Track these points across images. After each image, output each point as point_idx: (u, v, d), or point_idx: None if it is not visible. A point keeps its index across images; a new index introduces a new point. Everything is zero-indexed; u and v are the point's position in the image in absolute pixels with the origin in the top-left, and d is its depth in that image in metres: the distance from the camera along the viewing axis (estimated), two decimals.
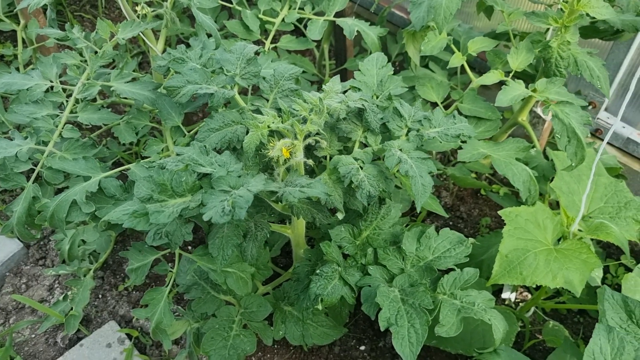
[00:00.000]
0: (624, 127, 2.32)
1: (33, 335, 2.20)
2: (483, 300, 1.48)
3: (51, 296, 2.31)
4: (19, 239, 2.39)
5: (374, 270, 1.59)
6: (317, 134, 1.51)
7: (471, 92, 1.85)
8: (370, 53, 1.75)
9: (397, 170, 1.71)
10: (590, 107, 2.27)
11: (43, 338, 2.19)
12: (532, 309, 2.06)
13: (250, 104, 1.56)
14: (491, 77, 1.70)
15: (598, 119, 2.32)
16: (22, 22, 2.60)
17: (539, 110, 2.15)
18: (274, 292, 1.86)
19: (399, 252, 1.62)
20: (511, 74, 1.73)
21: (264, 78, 1.61)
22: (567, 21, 1.65)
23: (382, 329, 1.41)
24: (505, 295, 2.18)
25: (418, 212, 1.37)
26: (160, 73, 1.58)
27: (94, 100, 1.73)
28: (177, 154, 1.35)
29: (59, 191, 1.56)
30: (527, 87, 1.66)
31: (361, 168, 1.44)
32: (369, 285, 1.55)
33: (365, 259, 1.64)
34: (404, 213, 2.21)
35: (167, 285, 1.69)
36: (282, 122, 1.42)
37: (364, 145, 1.53)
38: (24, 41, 2.69)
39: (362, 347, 2.08)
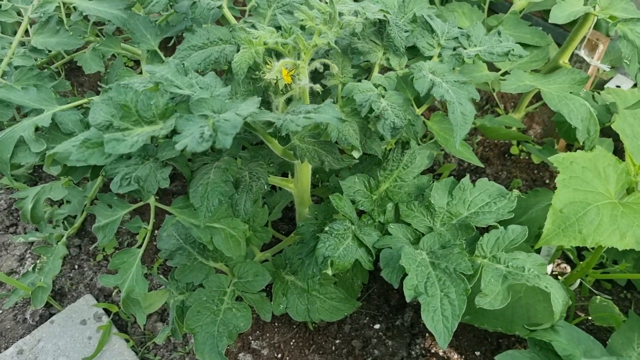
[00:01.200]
0: None
1: (0, 312, 1.92)
2: (534, 264, 1.18)
3: (22, 267, 2.03)
4: None
5: (396, 228, 1.29)
6: (326, 54, 1.21)
7: (513, 16, 1.54)
8: None
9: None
10: None
11: (11, 314, 1.91)
12: (578, 281, 1.76)
13: (242, 21, 1.26)
14: None
15: None
16: None
17: (581, 53, 1.84)
18: (273, 259, 1.56)
19: (426, 208, 1.32)
20: None
21: None
22: None
23: (408, 299, 1.11)
24: None
25: (457, 147, 1.07)
26: None
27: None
28: (148, 73, 1.05)
29: None
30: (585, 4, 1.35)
31: (383, 96, 1.14)
32: (390, 247, 1.25)
33: (384, 216, 1.34)
34: (423, 170, 1.91)
35: (140, 246, 1.39)
36: (282, 37, 1.12)
37: (385, 70, 1.23)
38: None
39: (377, 326, 1.79)
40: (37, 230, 2.00)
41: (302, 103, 1.16)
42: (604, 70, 1.89)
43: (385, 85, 1.15)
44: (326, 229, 1.24)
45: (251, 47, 1.10)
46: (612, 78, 2.13)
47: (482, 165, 1.54)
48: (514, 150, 2.24)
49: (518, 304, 1.42)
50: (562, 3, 1.30)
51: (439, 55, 1.20)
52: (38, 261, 1.87)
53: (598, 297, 1.73)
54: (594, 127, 1.38)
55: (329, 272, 1.19)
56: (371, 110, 1.08)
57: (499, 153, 2.34)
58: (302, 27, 1.17)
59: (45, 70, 1.34)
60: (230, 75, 1.18)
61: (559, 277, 1.90)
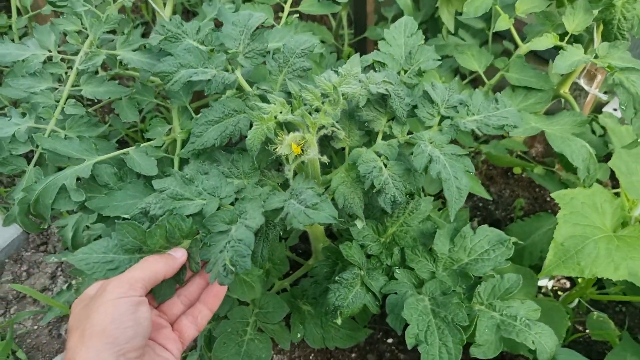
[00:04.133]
0: None
1: (36, 327, 2.08)
2: (527, 311, 1.29)
3: (54, 284, 2.19)
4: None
5: (401, 274, 1.40)
6: (333, 125, 1.29)
7: (519, 60, 1.60)
8: (394, 20, 1.50)
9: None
10: None
11: (46, 330, 2.08)
12: (577, 299, 1.87)
13: (255, 87, 1.34)
14: (544, 42, 1.45)
15: None
16: None
17: (581, 82, 1.89)
18: (292, 290, 1.69)
19: (429, 253, 1.42)
20: (567, 38, 1.48)
21: (272, 55, 1.37)
22: None
23: (409, 347, 1.24)
24: (542, 282, 1.99)
25: (452, 220, 1.17)
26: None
27: (96, 72, 1.54)
28: (158, 191, 1.14)
29: None
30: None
31: (385, 166, 1.23)
32: (396, 293, 1.37)
33: (391, 259, 1.45)
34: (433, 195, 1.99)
35: None
36: (292, 111, 1.21)
37: (388, 136, 1.31)
38: (18, 10, 2.47)
39: (390, 340, 1.93)
40: (67, 249, 2.15)
41: (313, 170, 1.26)
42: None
43: (388, 154, 1.24)
44: (337, 278, 1.36)
45: (263, 123, 1.19)
46: (608, 102, 2.19)
47: (490, 198, 1.64)
48: (517, 170, 2.32)
49: None
50: (564, 53, 1.38)
51: (440, 122, 1.27)
52: (74, 282, 2.02)
53: (595, 313, 1.84)
54: (593, 166, 1.47)
55: (338, 321, 1.31)
56: (373, 185, 1.18)
57: (502, 172, 2.41)
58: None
59: (92, 117, 1.46)
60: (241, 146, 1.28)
61: (559, 293, 2.01)
